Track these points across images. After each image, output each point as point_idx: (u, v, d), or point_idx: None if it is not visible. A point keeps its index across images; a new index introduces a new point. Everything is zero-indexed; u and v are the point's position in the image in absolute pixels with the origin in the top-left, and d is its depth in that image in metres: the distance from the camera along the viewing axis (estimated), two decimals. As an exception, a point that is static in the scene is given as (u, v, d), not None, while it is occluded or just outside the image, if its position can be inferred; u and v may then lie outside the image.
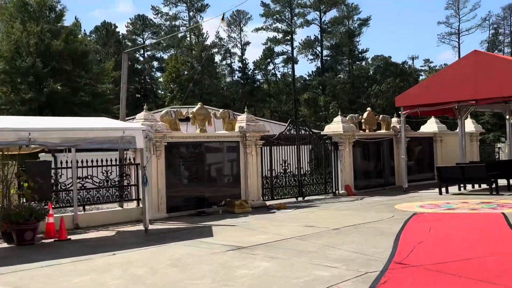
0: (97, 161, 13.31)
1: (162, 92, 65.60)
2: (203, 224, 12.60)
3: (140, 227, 12.49)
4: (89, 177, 13.19)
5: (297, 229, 11.17)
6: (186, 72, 60.15)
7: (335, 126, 19.17)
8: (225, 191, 15.67)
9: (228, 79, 68.42)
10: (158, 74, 69.75)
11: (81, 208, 13.19)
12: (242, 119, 16.38)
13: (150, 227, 12.34)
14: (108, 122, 11.78)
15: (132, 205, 14.22)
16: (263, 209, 15.34)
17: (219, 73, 66.03)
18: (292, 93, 64.16)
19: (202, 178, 15.17)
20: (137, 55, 67.98)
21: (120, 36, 66.02)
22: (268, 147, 16.99)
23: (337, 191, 18.96)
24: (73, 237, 11.27)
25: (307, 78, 67.49)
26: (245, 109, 16.90)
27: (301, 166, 17.99)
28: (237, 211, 14.56)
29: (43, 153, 24.06)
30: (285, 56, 66.64)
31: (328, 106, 56.46)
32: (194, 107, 15.73)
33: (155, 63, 70.36)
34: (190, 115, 15.23)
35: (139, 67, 67.25)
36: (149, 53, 69.42)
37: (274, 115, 65.06)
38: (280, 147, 17.32)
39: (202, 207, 15.03)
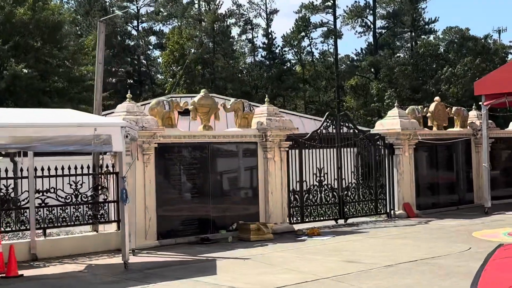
0: (62, 168, 12.99)
1: (162, 77, 65.65)
2: (205, 256, 12.18)
3: (120, 259, 12.12)
4: (52, 190, 12.89)
5: (333, 265, 10.67)
6: (193, 51, 60.06)
7: (390, 122, 18.61)
8: (237, 210, 15.25)
9: (248, 60, 68.10)
10: (157, 52, 69.79)
11: (41, 232, 12.90)
12: (261, 112, 15.93)
13: (134, 259, 11.97)
14: (76, 116, 11.46)
15: (111, 228, 13.89)
16: (289, 236, 14.86)
17: (236, 52, 65.76)
18: (335, 78, 63.51)
19: (206, 192, 14.76)
20: (129, 28, 68.20)
21: (107, 3, 66.29)
22: (297, 151, 16.51)
23: (392, 211, 18.39)
24: (27, 272, 10.95)
25: (355, 58, 66.78)
26: (266, 99, 16.44)
27: (343, 177, 17.47)
28: (253, 238, 14.11)
29: (2, 157, 24.06)
30: (325, 29, 66.03)
31: (383, 96, 55.64)
32: (196, 96, 15.32)
33: (153, 39, 70.43)
34: (190, 107, 14.84)
35: (132, 43, 67.43)
36: (144, 25, 69.56)
37: (309, 107, 64.58)
38: (314, 150, 16.83)
39: (205, 232, 14.62)
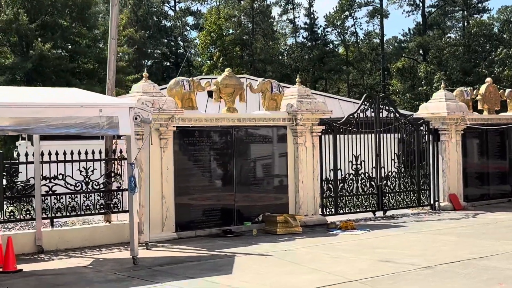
0: (72, 153, 12.31)
1: (199, 59, 65.04)
2: (224, 251, 11.37)
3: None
4: (61, 177, 12.22)
5: (365, 265, 9.74)
6: (231, 31, 59.26)
7: (436, 106, 17.49)
8: (264, 200, 14.40)
9: (289, 41, 67.05)
10: (194, 34, 69.13)
11: (48, 222, 12.28)
12: (291, 94, 15.01)
13: (146, 254, 11.26)
14: (81, 95, 10.71)
15: (125, 218, 13.19)
16: (320, 229, 13.97)
17: (277, 33, 64.70)
18: (380, 60, 62.05)
19: (230, 181, 13.94)
20: (166, 8, 67.69)
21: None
22: (331, 136, 15.55)
23: (436, 203, 17.32)
24: (27, 266, 10.30)
25: (402, 39, 65.11)
26: (297, 79, 15.49)
27: (382, 165, 16.45)
28: (279, 232, 13.25)
29: (23, 141, 23.69)
30: (370, 8, 64.44)
31: (432, 78, 54.02)
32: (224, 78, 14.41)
33: (190, 19, 69.75)
34: (213, 87, 13.99)
35: (169, 24, 66.92)
36: (182, 5, 68.92)
37: (353, 91, 63.27)
38: (350, 136, 15.84)
39: (229, 223, 13.82)
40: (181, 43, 67.82)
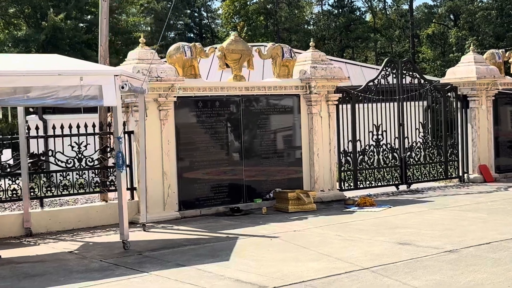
0: (62, 127, 11.30)
1: (224, 30, 63.73)
2: (228, 232, 10.32)
3: (132, 233, 10.45)
4: (50, 153, 11.25)
5: (380, 249, 8.60)
6: (254, 0, 57.78)
7: (464, 70, 16.13)
8: (276, 175, 13.30)
9: (315, 9, 65.32)
10: (217, 3, 67.81)
11: (37, 202, 11.36)
12: (304, 59, 13.80)
13: (142, 236, 10.31)
14: (60, 62, 9.63)
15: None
16: (336, 206, 12.84)
17: (302, 1, 62.98)
18: (409, 27, 60.13)
19: (238, 155, 12.85)
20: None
21: None
22: (349, 105, 14.34)
23: (465, 175, 16.08)
24: (8, 252, 9.37)
25: (432, 4, 62.95)
26: (311, 43, 14.24)
27: (405, 135, 15.21)
28: (291, 210, 12.15)
29: (32, 115, 22.82)
30: (398, -28, 62.39)
31: (463, 44, 52.13)
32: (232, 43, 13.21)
33: (213, -12, 68.42)
34: (218, 53, 12.84)
35: (192, -6, 65.55)
36: (205, -26, 67.44)
37: (381, 59, 61.33)
38: (370, 104, 14.62)
39: (237, 201, 12.77)
40: (205, 14, 66.52)
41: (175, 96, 12.03)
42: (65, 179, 11.26)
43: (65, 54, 31.64)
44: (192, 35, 65.18)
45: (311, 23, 63.72)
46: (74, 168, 11.34)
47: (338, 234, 9.78)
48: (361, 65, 25.93)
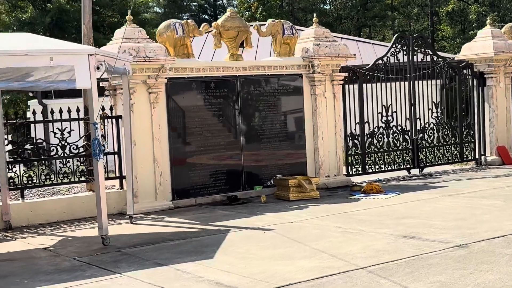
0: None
1: (238, 10, 62.63)
2: (220, 224, 9.51)
3: (117, 226, 9.78)
4: (31, 140, 10.49)
5: (382, 243, 7.73)
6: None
7: (481, 45, 15.10)
8: (277, 161, 12.45)
9: (332, -13, 63.97)
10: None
11: (18, 193, 10.64)
12: (307, 37, 12.89)
13: (127, 229, 9.58)
14: (29, 41, 8.79)
15: (112, 185, 11.49)
16: (342, 192, 11.98)
17: (318, -21, 61.71)
18: (428, 4, 58.63)
19: (236, 139, 12.01)
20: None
21: None
22: (356, 85, 13.42)
23: (482, 158, 15.13)
24: (-20, 249, 8.65)
25: (451, -20, 61.33)
26: (314, 19, 13.29)
27: (417, 116, 14.27)
28: (292, 198, 11.30)
29: (34, 100, 22.13)
30: (416, -51, 60.75)
31: (483, 21, 50.63)
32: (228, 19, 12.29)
33: (227, -33, 67.15)
34: (213, 31, 11.95)
35: (205, -26, 64.50)
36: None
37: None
38: (378, 84, 13.67)
39: (236, 188, 11.95)
40: (219, -6, 65.51)
41: (166, 78, 11.19)
42: (47, 168, 10.50)
43: (71, 37, 31.05)
44: (206, 16, 64.24)
45: (327, 2, 62.42)
46: (57, 156, 10.56)
47: (338, 226, 8.92)
48: (372, 43, 24.83)
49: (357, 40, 24.30)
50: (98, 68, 8.25)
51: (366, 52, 21.98)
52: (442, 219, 8.97)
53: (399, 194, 11.42)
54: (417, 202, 10.53)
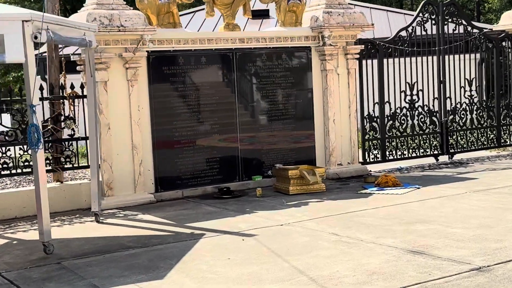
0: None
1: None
2: (196, 226, 7.91)
3: (80, 225, 8.31)
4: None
5: (381, 260, 6.01)
6: None
7: (522, 14, 13.10)
8: (281, 146, 10.79)
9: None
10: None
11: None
12: (317, 3, 11.13)
13: (87, 231, 8.06)
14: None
15: (84, 175, 10.00)
16: (354, 184, 10.28)
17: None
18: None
19: (231, 122, 10.37)
20: None
21: None
22: (375, 60, 11.62)
23: (522, 143, 13.18)
24: None
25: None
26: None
27: (447, 95, 12.40)
28: (292, 191, 9.62)
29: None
30: None
31: (532, -7, 47.73)
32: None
33: None
34: (204, -4, 10.28)
35: None
36: None
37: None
38: (402, 59, 11.84)
39: (231, 178, 10.35)
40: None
41: (146, 51, 9.58)
42: (4, 155, 9.01)
43: (36, 6, 29.55)
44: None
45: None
46: (16, 142, 9.07)
47: (334, 232, 7.22)
48: (395, 11, 22.56)
49: (370, 7, 22.03)
50: (36, 37, 6.66)
51: (384, 21, 19.95)
52: (464, 226, 7.20)
53: (418, 188, 9.64)
54: (437, 200, 8.75)
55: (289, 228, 7.56)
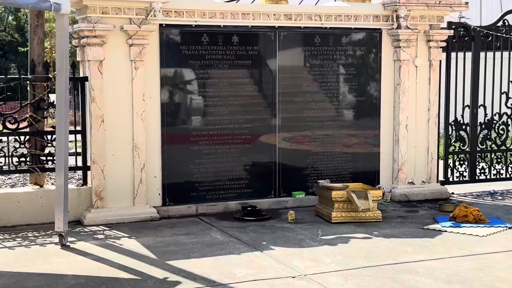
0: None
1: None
2: (179, 267, 5.53)
3: (41, 248, 6.23)
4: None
5: None
6: None
7: None
8: (333, 155, 8.23)
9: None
10: None
11: None
12: (391, -28, 8.41)
13: (31, 263, 5.86)
14: None
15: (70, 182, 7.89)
16: (423, 212, 7.58)
17: None
18: None
19: (268, 121, 7.92)
20: None
21: None
22: (469, 53, 8.80)
23: None
24: None
25: None
26: None
27: None
28: (335, 219, 7.05)
29: None
30: None
31: None
32: None
33: None
34: (240, -42, 7.83)
35: None
36: None
37: None
38: (504, 52, 8.95)
39: (264, 193, 7.95)
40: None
41: (159, 24, 7.29)
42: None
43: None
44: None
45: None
46: (-17, 133, 7.03)
47: (362, 302, 4.65)
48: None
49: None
50: None
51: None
52: None
53: (510, 228, 6.82)
54: (535, 253, 5.94)
55: (300, 286, 5.05)
